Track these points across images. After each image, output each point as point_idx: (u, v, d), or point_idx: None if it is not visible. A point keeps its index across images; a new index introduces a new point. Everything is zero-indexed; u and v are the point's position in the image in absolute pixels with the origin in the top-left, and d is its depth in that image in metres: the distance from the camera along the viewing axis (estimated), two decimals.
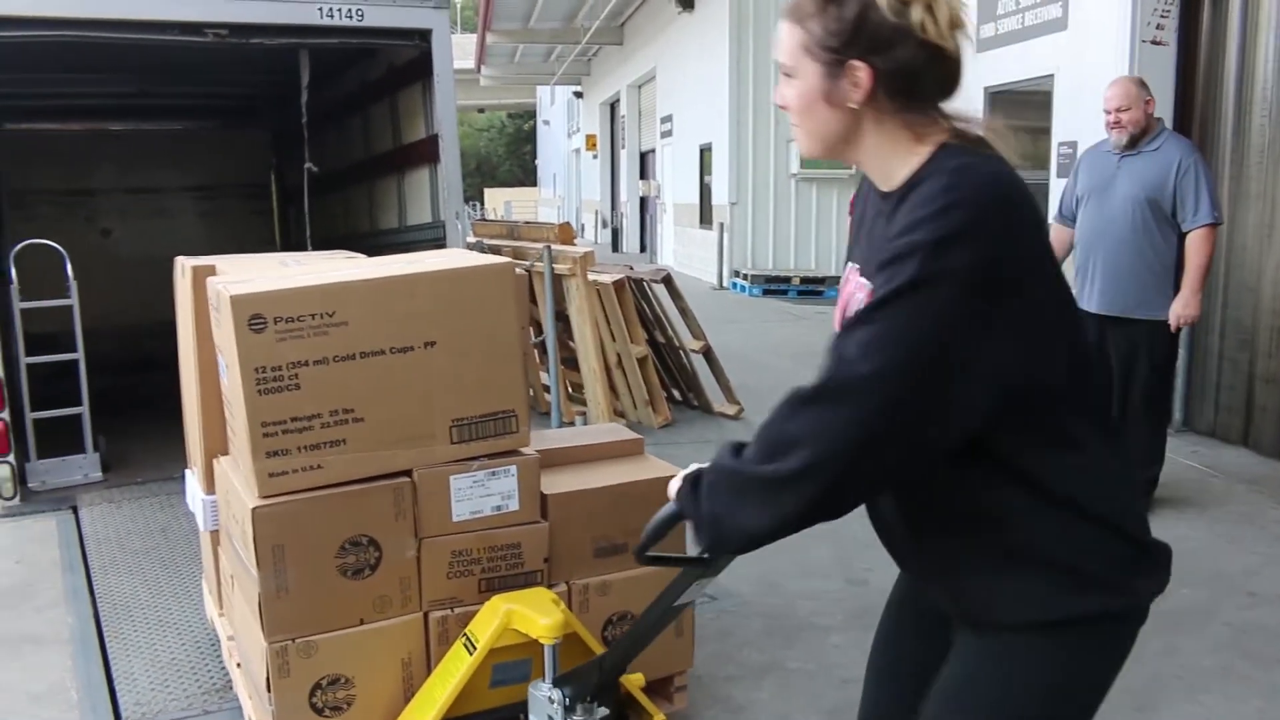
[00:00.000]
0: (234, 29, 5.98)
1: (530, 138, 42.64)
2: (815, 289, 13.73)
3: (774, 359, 9.69)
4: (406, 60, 6.98)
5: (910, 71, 1.37)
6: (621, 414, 7.22)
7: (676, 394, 7.80)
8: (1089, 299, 4.98)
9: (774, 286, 13.84)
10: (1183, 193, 4.71)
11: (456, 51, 6.50)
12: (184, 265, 3.32)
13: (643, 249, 21.82)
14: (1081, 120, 6.77)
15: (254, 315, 2.50)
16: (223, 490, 3.04)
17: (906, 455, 1.33)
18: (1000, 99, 8.20)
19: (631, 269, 7.57)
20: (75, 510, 5.70)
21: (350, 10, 6.13)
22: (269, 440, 2.53)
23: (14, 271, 6.07)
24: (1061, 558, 1.42)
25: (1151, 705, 3.37)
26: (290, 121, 7.57)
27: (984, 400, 1.32)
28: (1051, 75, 7.39)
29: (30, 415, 6.06)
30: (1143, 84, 4.92)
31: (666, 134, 18.94)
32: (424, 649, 2.76)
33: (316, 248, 7.31)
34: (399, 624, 2.73)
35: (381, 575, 2.68)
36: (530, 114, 40.70)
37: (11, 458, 5.73)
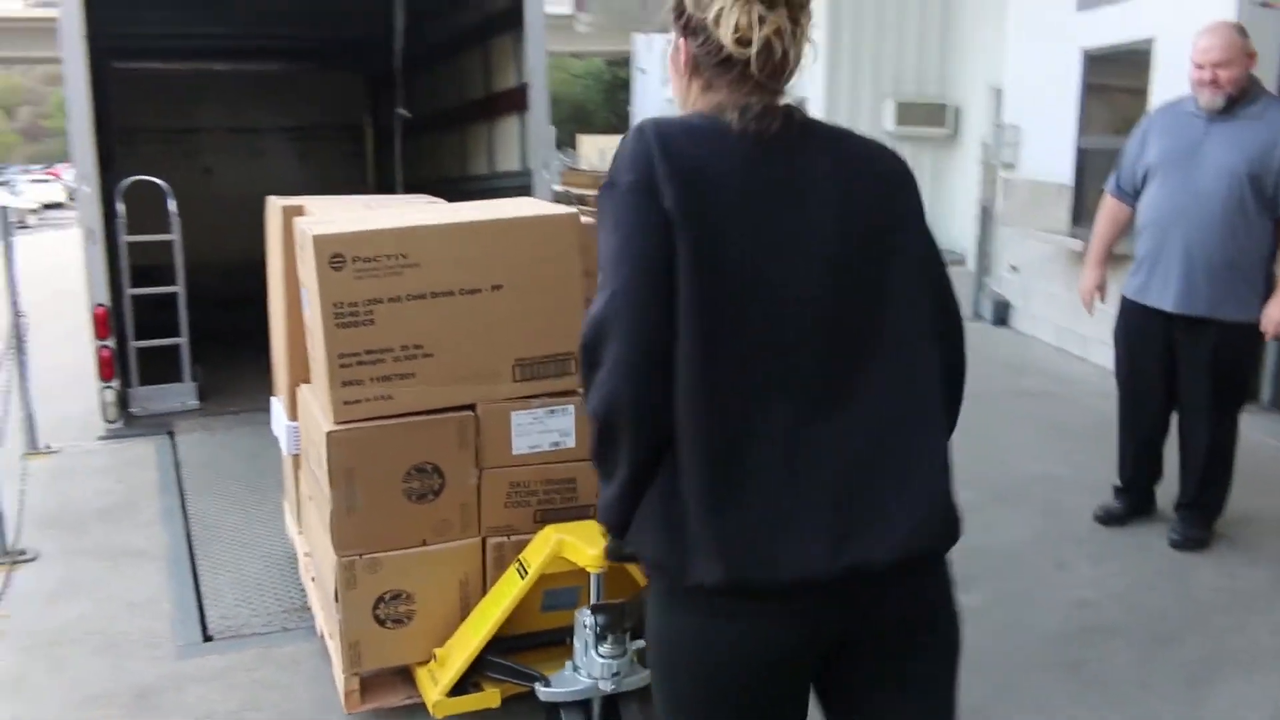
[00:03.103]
0: None
1: (626, 85, 42.55)
2: None
3: None
4: (499, 9, 7.17)
5: (707, 61, 1.56)
6: None
7: None
8: (1160, 294, 4.22)
9: None
10: None
11: None
12: (275, 204, 3.58)
13: None
14: (1183, 85, 6.63)
15: (335, 254, 2.74)
16: (303, 416, 3.30)
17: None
18: (1099, 61, 8.04)
19: None
20: (172, 435, 6.09)
21: None
22: (344, 370, 2.78)
23: (121, 206, 6.44)
24: (658, 505, 1.52)
25: (1206, 680, 3.39)
26: (386, 66, 7.84)
27: None
28: (1153, 39, 7.25)
29: (133, 344, 6.46)
30: (1244, 32, 4.09)
31: None
32: (481, 572, 2.99)
33: (407, 191, 7.59)
34: (458, 547, 2.97)
35: (444, 501, 2.92)
36: (627, 61, 40.62)
37: (115, 383, 6.14)
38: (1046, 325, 8.31)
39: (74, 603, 4.01)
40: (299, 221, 3.07)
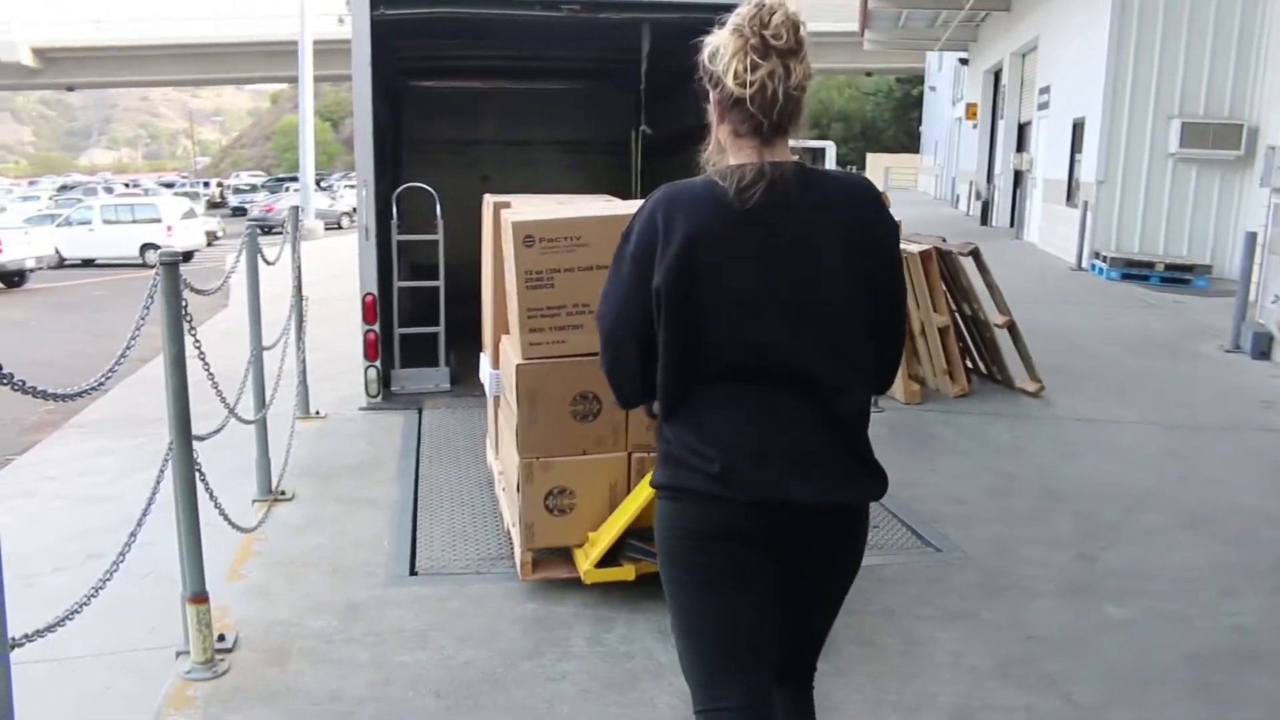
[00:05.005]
0: (585, 5, 7.01)
1: (917, 104, 42.23)
2: (1182, 276, 13.10)
3: (1104, 345, 9.62)
4: None
5: (725, 105, 2.09)
6: (921, 380, 7.65)
7: (982, 367, 8.07)
8: None
9: (1135, 271, 13.33)
10: None
11: (839, 13, 7.13)
12: (488, 200, 4.58)
13: (1012, 224, 21.44)
14: None
15: (527, 235, 3.75)
16: (502, 360, 4.32)
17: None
18: None
19: (944, 240, 7.93)
20: (420, 411, 7.05)
21: None
22: (531, 320, 3.80)
23: (395, 209, 7.44)
24: (662, 447, 2.18)
25: None
26: (648, 85, 8.55)
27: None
28: None
29: (397, 330, 7.45)
30: None
31: (1043, 105, 18.54)
32: (626, 478, 4.05)
33: None
34: (610, 458, 4.04)
35: (600, 422, 3.98)
36: (919, 79, 40.37)
37: (378, 363, 7.13)
38: None
39: (314, 535, 4.92)
40: (504, 213, 4.03)
